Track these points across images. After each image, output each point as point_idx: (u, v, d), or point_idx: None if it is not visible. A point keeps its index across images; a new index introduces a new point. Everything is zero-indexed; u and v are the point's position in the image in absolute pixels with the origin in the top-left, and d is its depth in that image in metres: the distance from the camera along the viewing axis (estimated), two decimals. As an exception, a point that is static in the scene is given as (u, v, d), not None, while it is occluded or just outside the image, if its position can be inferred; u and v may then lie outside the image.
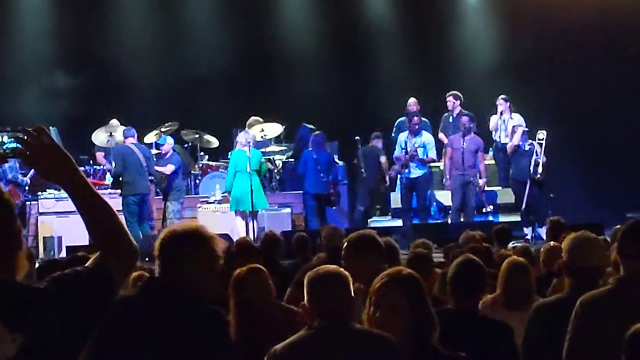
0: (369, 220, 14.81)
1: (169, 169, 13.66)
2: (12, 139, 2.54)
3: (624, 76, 15.70)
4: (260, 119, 14.59)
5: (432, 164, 14.36)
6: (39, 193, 13.74)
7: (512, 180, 13.94)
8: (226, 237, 11.62)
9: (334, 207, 14.18)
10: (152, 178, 13.59)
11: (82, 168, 13.24)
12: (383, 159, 14.79)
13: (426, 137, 14.04)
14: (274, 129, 14.50)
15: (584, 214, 13.20)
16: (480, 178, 13.87)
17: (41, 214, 13.58)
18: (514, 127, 14.04)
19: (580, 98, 15.80)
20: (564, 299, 4.44)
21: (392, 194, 15.25)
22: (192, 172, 15.19)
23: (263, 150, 14.40)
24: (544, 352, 4.55)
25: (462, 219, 13.65)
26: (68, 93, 15.92)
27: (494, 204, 14.67)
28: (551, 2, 16.53)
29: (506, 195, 14.60)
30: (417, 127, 13.94)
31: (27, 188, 13.66)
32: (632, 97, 15.62)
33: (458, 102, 14.91)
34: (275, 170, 15.09)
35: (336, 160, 14.66)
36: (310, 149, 13.96)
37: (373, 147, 14.91)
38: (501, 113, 14.76)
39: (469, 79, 16.52)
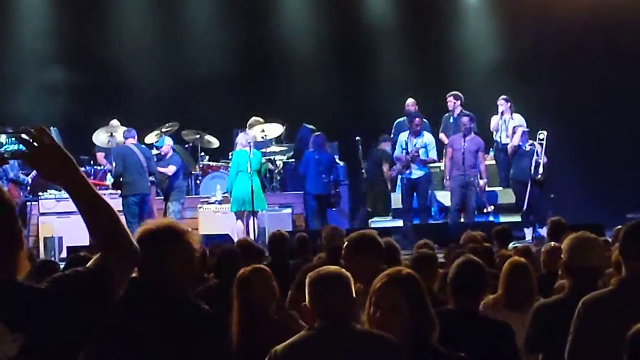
0: (369, 221, 14.82)
1: (170, 169, 13.68)
2: (12, 141, 2.55)
3: (624, 76, 15.70)
4: (261, 120, 14.59)
5: (432, 165, 14.37)
6: (40, 193, 13.74)
7: (513, 181, 13.93)
8: (226, 237, 11.65)
9: (334, 209, 14.19)
10: (153, 178, 13.60)
11: (83, 168, 13.17)
12: (385, 167, 14.85)
13: (427, 137, 14.04)
14: (275, 130, 14.51)
15: (584, 214, 13.20)
16: (481, 178, 13.87)
17: (42, 214, 13.58)
18: (514, 127, 14.04)
19: (580, 98, 15.81)
20: (564, 299, 4.45)
21: (392, 194, 15.26)
22: (193, 172, 15.19)
23: (264, 150, 14.40)
24: (544, 352, 4.56)
25: (462, 219, 13.64)
26: (68, 93, 15.93)
27: (494, 205, 14.67)
28: (551, 2, 16.54)
29: (507, 196, 14.59)
30: (418, 128, 13.94)
31: (28, 187, 13.68)
32: (632, 97, 15.62)
33: (458, 102, 14.91)
34: (276, 171, 15.10)
35: (337, 160, 14.66)
36: (312, 149, 13.96)
37: (382, 151, 14.96)
38: (502, 113, 14.76)
39: (470, 79, 16.53)
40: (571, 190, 15.09)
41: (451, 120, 14.94)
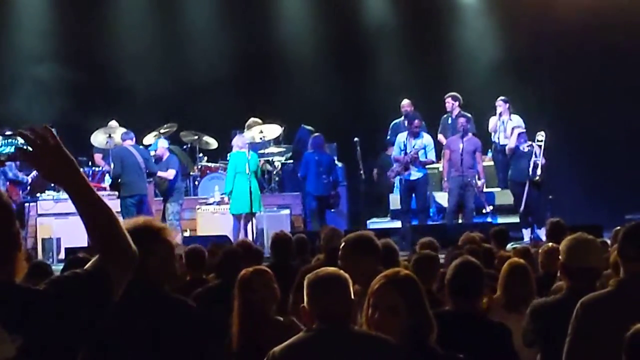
0: (367, 222, 14.82)
1: (170, 173, 13.61)
2: (8, 142, 2.54)
3: (623, 77, 15.70)
4: (259, 120, 14.59)
5: (430, 166, 14.36)
6: (38, 194, 13.73)
7: (511, 182, 13.93)
8: (225, 238, 11.66)
9: (332, 210, 14.20)
10: (151, 179, 13.58)
11: (81, 170, 13.21)
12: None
13: (426, 139, 14.04)
14: (273, 130, 14.51)
15: (583, 215, 13.20)
16: (479, 179, 13.87)
17: (40, 215, 13.56)
18: (513, 128, 14.05)
19: (579, 98, 15.81)
20: (562, 299, 4.45)
21: (390, 195, 15.26)
22: (191, 173, 15.19)
23: (262, 151, 14.40)
24: (542, 352, 4.57)
25: (460, 221, 13.64)
26: (67, 94, 15.90)
27: (492, 206, 14.67)
28: (551, 2, 16.54)
29: (505, 197, 14.59)
30: (417, 129, 13.94)
31: (28, 187, 13.67)
32: (632, 98, 15.62)
33: (457, 103, 14.91)
34: (274, 172, 15.10)
35: (336, 161, 14.67)
36: (311, 150, 13.96)
37: (390, 156, 15.03)
38: (500, 114, 14.76)
39: (469, 79, 16.52)
40: (570, 191, 15.09)
41: (449, 121, 14.94)
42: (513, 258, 6.08)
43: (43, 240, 13.18)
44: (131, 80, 16.46)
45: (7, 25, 16.76)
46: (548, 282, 6.07)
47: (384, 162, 15.21)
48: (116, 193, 13.00)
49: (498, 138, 14.84)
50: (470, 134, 13.86)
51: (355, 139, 14.75)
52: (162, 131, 14.64)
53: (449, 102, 14.98)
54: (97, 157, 14.93)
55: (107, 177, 14.08)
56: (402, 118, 15.22)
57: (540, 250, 7.08)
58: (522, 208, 13.46)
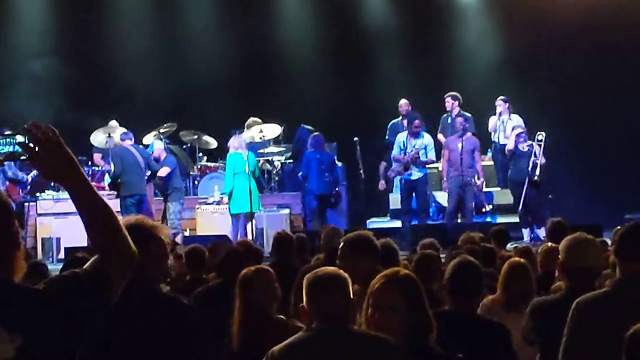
0: (367, 222, 14.82)
1: (164, 171, 13.59)
2: (6, 142, 2.53)
3: (623, 76, 15.69)
4: (259, 120, 14.59)
5: (430, 165, 14.36)
6: (38, 194, 13.73)
7: (511, 181, 13.93)
8: (224, 238, 11.65)
9: (334, 209, 14.20)
10: (152, 179, 13.56)
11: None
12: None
13: (427, 139, 14.04)
14: (273, 130, 14.50)
15: (582, 215, 13.18)
16: (478, 178, 13.87)
17: (40, 215, 13.57)
18: (512, 128, 14.05)
19: (579, 98, 15.79)
20: (561, 299, 4.45)
21: (390, 195, 15.26)
22: (191, 173, 15.18)
23: (262, 151, 14.40)
24: (541, 352, 4.57)
25: (459, 221, 13.64)
26: (66, 93, 15.89)
27: (492, 205, 14.67)
28: (551, 2, 16.53)
29: (505, 196, 14.59)
30: (418, 129, 13.94)
31: (28, 186, 13.67)
32: (632, 98, 15.62)
33: (456, 103, 14.91)
34: (274, 171, 15.09)
35: (336, 161, 14.67)
36: (312, 149, 13.95)
37: None
38: (500, 114, 14.76)
39: (468, 79, 16.52)
40: (570, 191, 15.08)
41: (449, 121, 14.94)
42: (513, 257, 6.07)
43: (43, 239, 13.18)
44: (131, 80, 16.46)
45: (6, 24, 16.75)
46: (547, 281, 6.07)
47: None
48: (115, 192, 13.00)
49: (498, 138, 14.85)
50: (469, 134, 13.85)
51: (355, 138, 14.74)
52: (161, 131, 14.63)
53: (449, 102, 14.98)
54: (97, 156, 14.93)
55: (106, 176, 14.08)
56: (400, 118, 15.23)
57: (539, 250, 7.07)
58: (520, 208, 13.45)
